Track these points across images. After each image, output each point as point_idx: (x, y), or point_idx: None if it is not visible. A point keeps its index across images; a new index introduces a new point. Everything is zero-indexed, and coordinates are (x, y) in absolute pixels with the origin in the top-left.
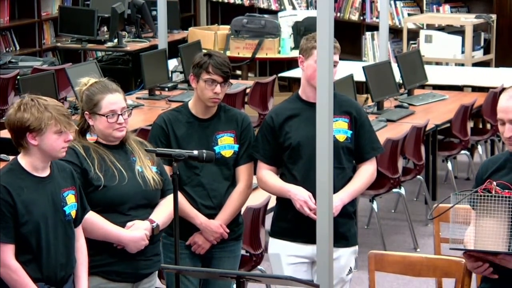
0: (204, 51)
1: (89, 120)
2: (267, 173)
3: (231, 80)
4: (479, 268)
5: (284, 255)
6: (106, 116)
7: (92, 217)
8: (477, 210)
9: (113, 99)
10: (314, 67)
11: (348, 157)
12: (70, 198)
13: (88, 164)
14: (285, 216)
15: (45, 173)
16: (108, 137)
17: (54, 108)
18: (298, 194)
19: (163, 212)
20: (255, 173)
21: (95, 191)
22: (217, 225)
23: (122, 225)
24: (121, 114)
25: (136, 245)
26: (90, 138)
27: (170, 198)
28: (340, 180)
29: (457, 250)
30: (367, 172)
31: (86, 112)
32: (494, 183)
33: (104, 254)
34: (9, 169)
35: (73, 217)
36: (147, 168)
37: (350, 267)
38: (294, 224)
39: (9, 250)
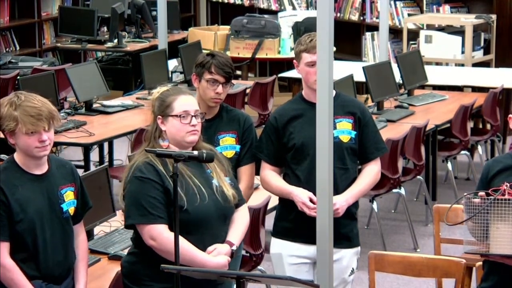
0: (205, 51)
1: (161, 125)
2: (270, 174)
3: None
4: None
5: (286, 255)
6: (179, 116)
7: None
8: (490, 213)
9: (187, 100)
10: (306, 70)
11: (352, 157)
12: (69, 195)
13: (169, 182)
14: (287, 216)
15: (41, 170)
16: (181, 142)
17: (24, 108)
18: (299, 195)
19: (239, 231)
20: (256, 174)
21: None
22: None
23: (203, 246)
24: (195, 116)
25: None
26: (163, 144)
27: (244, 212)
28: (344, 180)
29: (473, 254)
30: (371, 172)
31: (159, 116)
32: (508, 184)
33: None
34: (4, 167)
35: (71, 214)
36: (224, 183)
37: (352, 268)
38: (296, 224)
39: (3, 248)
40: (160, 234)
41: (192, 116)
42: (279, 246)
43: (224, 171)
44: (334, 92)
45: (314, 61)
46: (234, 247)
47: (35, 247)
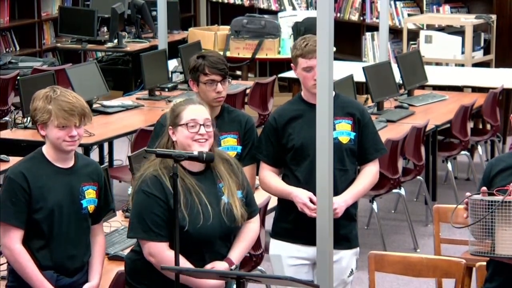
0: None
1: (173, 136)
2: (269, 174)
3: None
4: None
5: (285, 257)
6: (187, 125)
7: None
8: (496, 215)
9: (195, 109)
10: (304, 74)
11: (351, 158)
12: (90, 193)
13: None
14: (286, 217)
15: (67, 164)
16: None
17: (58, 102)
18: (299, 196)
19: (242, 249)
20: (257, 174)
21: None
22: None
23: (202, 265)
24: (204, 125)
25: None
26: None
27: (254, 225)
28: (344, 181)
29: (479, 255)
30: (370, 173)
31: (170, 127)
32: None
33: None
34: (31, 157)
35: (90, 211)
36: (235, 199)
37: (352, 269)
38: (295, 226)
39: (16, 234)
40: (159, 253)
41: (201, 125)
42: (278, 248)
43: (238, 184)
44: (333, 93)
45: (310, 66)
46: (233, 266)
47: (50, 237)
